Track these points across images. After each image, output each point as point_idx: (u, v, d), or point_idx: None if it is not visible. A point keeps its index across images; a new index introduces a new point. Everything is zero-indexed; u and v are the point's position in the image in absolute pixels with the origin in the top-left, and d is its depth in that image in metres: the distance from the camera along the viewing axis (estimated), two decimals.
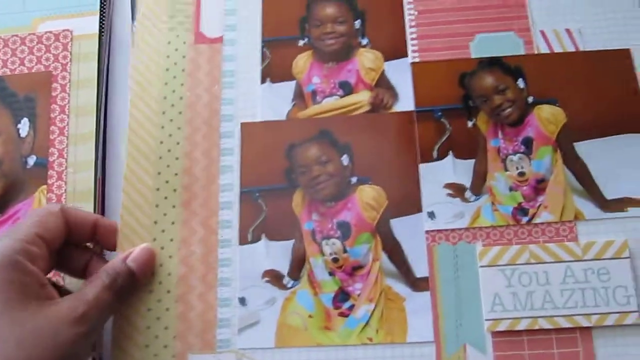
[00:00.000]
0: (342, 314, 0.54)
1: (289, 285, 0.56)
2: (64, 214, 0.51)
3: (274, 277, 0.56)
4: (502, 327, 0.52)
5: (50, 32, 0.65)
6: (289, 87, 0.62)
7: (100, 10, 0.65)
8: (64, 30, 0.65)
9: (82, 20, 0.65)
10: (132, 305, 0.55)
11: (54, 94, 0.62)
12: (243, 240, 0.57)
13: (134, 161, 0.59)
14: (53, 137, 0.61)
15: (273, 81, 0.62)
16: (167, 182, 0.58)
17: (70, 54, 0.64)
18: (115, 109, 0.63)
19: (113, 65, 0.65)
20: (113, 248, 0.56)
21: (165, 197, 0.58)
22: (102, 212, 0.60)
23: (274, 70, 0.62)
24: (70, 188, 0.59)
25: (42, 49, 0.64)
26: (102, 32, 0.65)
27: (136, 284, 0.53)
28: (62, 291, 0.52)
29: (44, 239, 0.48)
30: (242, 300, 0.55)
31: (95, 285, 0.49)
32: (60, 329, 0.46)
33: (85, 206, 0.59)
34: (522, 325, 0.52)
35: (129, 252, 0.53)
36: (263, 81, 0.62)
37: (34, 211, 0.52)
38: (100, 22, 0.65)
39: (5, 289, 0.46)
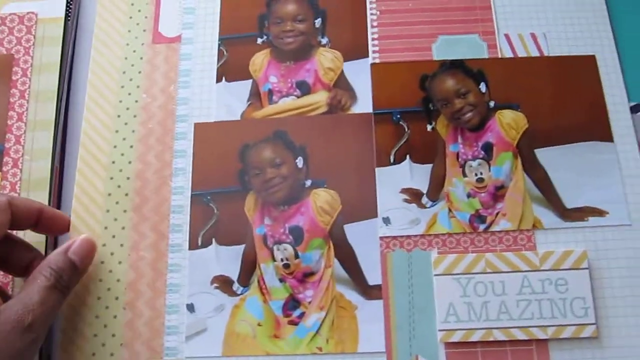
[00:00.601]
0: (292, 322, 0.53)
1: (239, 292, 0.54)
2: (12, 207, 0.48)
3: (223, 283, 0.54)
4: (455, 338, 0.50)
5: (15, 13, 0.62)
6: (245, 86, 0.60)
7: None
8: (28, 13, 0.62)
9: (48, 3, 0.63)
10: (80, 312, 0.53)
11: (14, 77, 0.60)
12: (193, 245, 0.55)
13: (86, 166, 0.58)
14: (11, 122, 0.59)
15: (229, 80, 0.60)
16: (119, 186, 0.57)
17: (34, 37, 0.61)
18: (77, 96, 0.61)
19: (78, 51, 0.63)
20: (58, 234, 0.54)
21: (117, 202, 0.56)
22: (58, 202, 0.57)
23: (231, 68, 0.61)
24: (26, 176, 0.57)
25: (5, 31, 0.62)
26: (69, 16, 0.63)
27: (79, 277, 0.51)
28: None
29: None
30: (191, 307, 0.53)
31: (40, 287, 0.47)
32: (9, 338, 0.44)
33: (40, 195, 0.56)
34: (476, 337, 0.50)
35: (69, 244, 0.50)
36: (219, 80, 0.60)
37: None
38: (67, 6, 0.63)
39: None
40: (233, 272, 0.54)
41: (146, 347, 0.52)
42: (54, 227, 0.54)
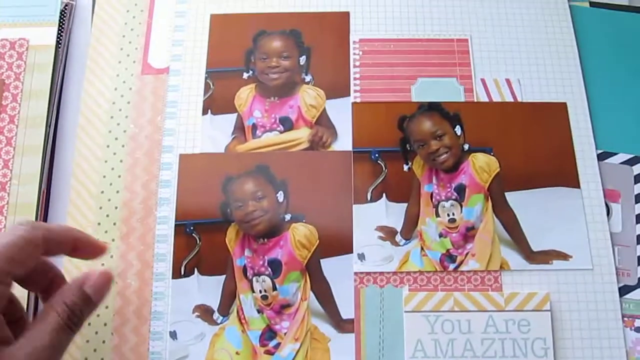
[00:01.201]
0: (268, 352, 0.55)
1: (219, 321, 0.56)
2: (47, 240, 0.45)
3: (204, 312, 0.56)
4: None
5: (6, 39, 0.64)
6: (230, 119, 0.62)
7: (60, 22, 0.65)
8: (20, 39, 0.64)
9: (40, 30, 0.64)
10: None
11: (4, 102, 0.61)
12: (176, 274, 0.57)
13: (78, 196, 0.59)
14: (0, 147, 0.60)
15: (214, 113, 0.62)
16: (107, 215, 0.58)
17: (25, 63, 0.63)
18: (65, 122, 0.63)
19: (67, 77, 0.64)
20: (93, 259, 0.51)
21: (106, 231, 0.58)
22: None
23: (216, 101, 0.62)
24: (13, 200, 0.58)
25: None
26: (59, 44, 0.64)
27: (93, 311, 0.47)
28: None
29: (11, 274, 0.42)
30: (173, 334, 0.55)
31: (52, 327, 0.43)
32: None
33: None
34: None
35: (85, 277, 0.46)
36: (204, 112, 0.62)
37: (7, 238, 0.43)
38: (58, 34, 0.64)
39: None
40: (214, 301, 0.56)
41: (132, 353, 0.54)
42: (89, 254, 0.50)
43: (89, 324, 0.55)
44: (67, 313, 0.44)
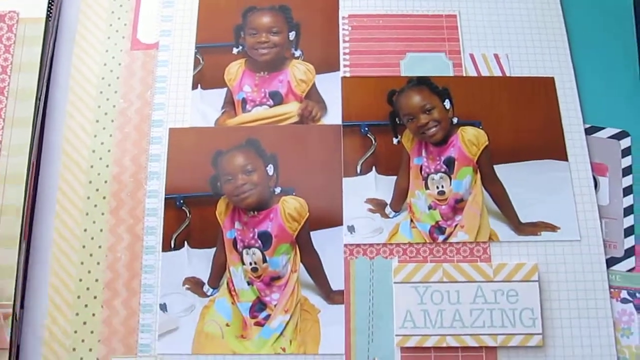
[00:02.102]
0: (258, 324, 0.55)
1: (209, 293, 0.56)
2: None
3: (194, 285, 0.56)
4: (411, 343, 0.53)
5: None
6: (219, 94, 0.62)
7: None
8: (10, 12, 0.63)
9: (30, 2, 0.64)
10: (62, 310, 0.55)
11: None
12: (166, 247, 0.57)
13: (68, 170, 0.59)
14: None
15: (204, 87, 0.62)
16: (97, 190, 0.58)
17: (15, 36, 0.62)
18: (56, 94, 0.62)
19: (58, 50, 0.64)
20: None
21: (95, 205, 0.58)
22: (34, 198, 0.59)
23: (206, 76, 0.62)
24: (2, 171, 0.58)
25: None
26: (50, 16, 0.64)
27: None
28: None
29: None
30: (163, 307, 0.55)
31: None
32: None
33: (16, 191, 0.57)
34: (430, 342, 0.53)
35: None
36: (194, 87, 0.62)
37: None
38: (48, 7, 0.64)
39: None
40: (204, 274, 0.56)
41: (122, 344, 0.54)
42: None
43: (79, 297, 0.55)
44: None
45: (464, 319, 0.53)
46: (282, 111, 0.61)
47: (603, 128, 0.60)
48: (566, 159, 0.59)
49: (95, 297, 0.55)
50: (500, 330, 0.53)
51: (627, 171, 0.59)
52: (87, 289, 0.55)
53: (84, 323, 0.55)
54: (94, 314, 0.55)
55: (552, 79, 0.61)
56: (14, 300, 0.54)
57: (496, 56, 0.62)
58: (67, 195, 0.58)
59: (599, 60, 0.63)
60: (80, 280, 0.56)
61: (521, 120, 0.60)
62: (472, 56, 0.62)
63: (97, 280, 0.56)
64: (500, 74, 0.62)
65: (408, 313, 0.54)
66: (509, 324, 0.53)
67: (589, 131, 0.60)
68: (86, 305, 0.55)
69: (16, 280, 0.55)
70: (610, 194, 0.58)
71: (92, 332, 0.55)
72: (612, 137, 0.60)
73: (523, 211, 0.57)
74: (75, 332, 0.55)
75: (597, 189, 0.58)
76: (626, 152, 0.59)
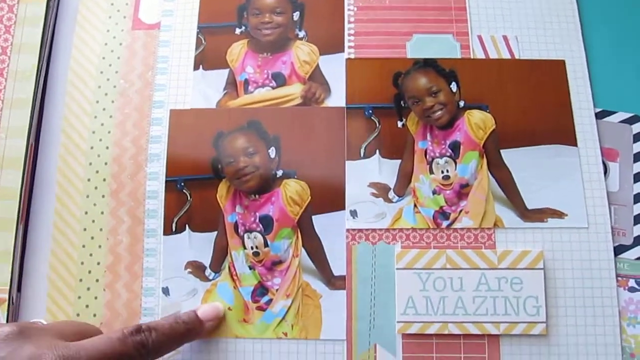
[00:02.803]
0: (260, 308, 0.54)
1: (211, 277, 0.55)
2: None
3: (196, 269, 0.56)
4: (412, 329, 0.52)
5: None
6: (221, 75, 0.61)
7: None
8: None
9: None
10: (64, 293, 0.55)
11: None
12: (167, 231, 0.56)
13: (67, 152, 0.59)
14: None
15: (206, 68, 0.61)
16: (97, 172, 0.58)
17: (16, 16, 0.62)
18: (55, 77, 0.61)
19: (58, 31, 0.63)
20: None
21: (96, 187, 0.58)
22: (32, 181, 0.58)
23: (208, 57, 0.61)
24: (0, 153, 0.58)
25: None
26: None
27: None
28: None
29: None
30: (165, 290, 0.55)
31: None
32: None
33: (14, 174, 0.57)
34: (432, 329, 0.52)
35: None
36: (196, 68, 0.61)
37: (106, 345, 0.43)
38: None
39: None
40: (205, 258, 0.56)
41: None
42: None
43: (81, 280, 0.55)
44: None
45: (467, 306, 0.53)
46: (285, 93, 0.60)
47: (614, 112, 0.59)
48: (575, 144, 0.57)
49: (97, 281, 0.55)
50: (503, 319, 0.52)
51: (638, 157, 0.58)
52: (89, 272, 0.55)
53: (86, 306, 0.55)
54: (96, 297, 0.55)
55: (563, 61, 0.60)
56: (10, 285, 0.54)
57: (505, 38, 0.61)
58: (67, 177, 0.58)
59: (612, 43, 0.61)
60: (82, 263, 0.56)
61: (530, 104, 0.58)
62: (480, 38, 0.61)
63: (99, 264, 0.56)
64: (509, 57, 0.60)
65: (410, 299, 0.53)
66: (512, 312, 0.52)
67: (600, 115, 0.58)
68: (88, 289, 0.55)
69: (12, 264, 0.54)
70: (621, 180, 0.57)
71: (94, 315, 0.54)
72: (623, 121, 0.58)
73: (529, 197, 0.56)
74: (78, 315, 0.55)
75: (606, 174, 0.57)
76: (638, 137, 0.58)
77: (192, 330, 0.50)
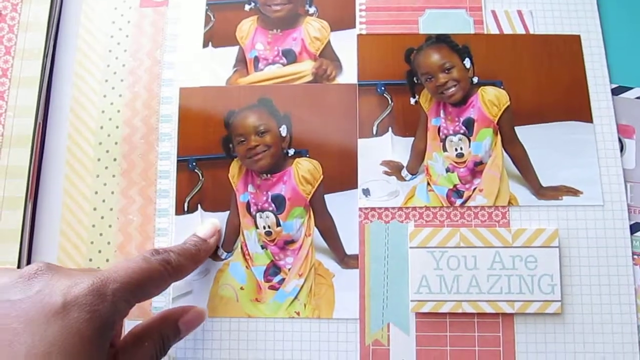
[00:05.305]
0: (273, 287, 0.54)
1: (223, 257, 0.55)
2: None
3: None
4: (426, 308, 0.52)
5: None
6: (231, 52, 0.60)
7: None
8: None
9: None
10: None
11: (0, 34, 0.60)
12: (179, 210, 0.56)
13: (77, 132, 0.58)
14: None
15: (215, 45, 0.60)
16: (107, 151, 0.58)
17: None
18: (63, 54, 0.61)
19: (65, 9, 0.62)
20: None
21: (106, 167, 0.57)
22: (40, 160, 0.58)
23: (217, 34, 0.61)
24: (8, 132, 0.57)
25: None
26: None
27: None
28: None
29: (135, 302, 0.44)
30: None
31: (149, 355, 0.45)
32: None
33: (22, 152, 0.57)
34: (446, 308, 0.52)
35: (180, 312, 0.49)
36: (205, 45, 0.60)
37: (140, 265, 0.44)
38: None
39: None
40: None
41: (136, 307, 0.52)
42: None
43: (90, 260, 0.55)
44: (160, 344, 0.46)
45: (481, 285, 0.52)
46: (296, 70, 0.59)
47: (631, 88, 0.58)
48: (591, 121, 0.56)
49: (107, 260, 0.55)
50: (517, 297, 0.52)
51: None
52: (99, 251, 0.55)
53: None
54: None
55: (578, 36, 0.59)
56: (19, 264, 0.54)
57: (519, 12, 0.60)
58: (77, 156, 0.57)
59: (628, 18, 0.60)
60: (92, 242, 0.55)
61: (544, 80, 0.57)
62: (494, 13, 0.60)
63: (109, 243, 0.55)
64: (524, 32, 0.59)
65: (424, 278, 0.53)
66: (527, 291, 0.52)
67: (616, 91, 0.57)
68: (98, 268, 0.54)
69: (21, 243, 0.54)
70: (637, 157, 0.56)
71: None
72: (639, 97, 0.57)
73: (544, 175, 0.55)
74: None
75: (622, 151, 0.56)
76: None
77: (200, 249, 0.52)
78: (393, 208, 0.55)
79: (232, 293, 0.54)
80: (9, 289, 0.40)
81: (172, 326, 0.48)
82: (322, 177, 0.56)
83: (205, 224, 0.54)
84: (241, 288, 0.54)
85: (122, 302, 0.42)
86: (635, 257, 0.53)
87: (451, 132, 0.57)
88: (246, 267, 0.55)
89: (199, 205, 0.56)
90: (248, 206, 0.56)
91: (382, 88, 0.57)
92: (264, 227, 0.55)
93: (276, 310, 0.53)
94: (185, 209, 0.56)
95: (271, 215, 0.55)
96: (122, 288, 0.42)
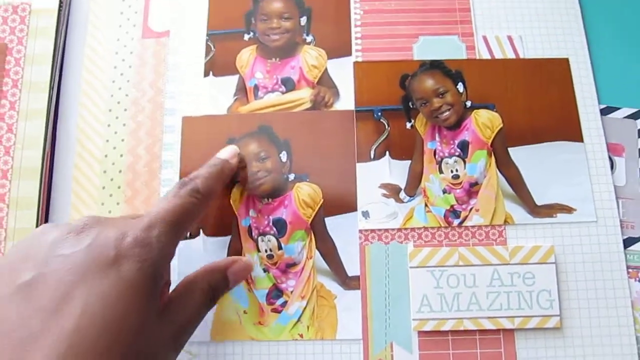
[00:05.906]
0: (275, 310, 0.55)
1: None
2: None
3: None
4: (428, 327, 0.53)
5: (9, 3, 0.63)
6: (231, 81, 0.62)
7: None
8: (22, 3, 0.63)
9: None
10: None
11: (7, 67, 0.61)
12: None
13: (82, 161, 0.59)
14: (3, 111, 0.60)
15: (216, 75, 0.62)
16: (111, 179, 0.59)
17: (27, 27, 0.62)
18: (68, 85, 0.62)
19: (69, 41, 0.64)
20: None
21: (110, 195, 0.58)
22: (49, 190, 0.59)
23: (218, 63, 0.62)
24: (17, 164, 0.58)
25: None
26: (61, 7, 0.64)
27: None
28: None
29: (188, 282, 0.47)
30: None
31: (198, 304, 0.46)
32: (158, 353, 0.42)
33: (31, 184, 0.58)
34: (447, 326, 0.53)
35: (229, 263, 0.50)
36: (206, 75, 0.62)
37: (178, 200, 0.47)
38: None
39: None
40: None
41: None
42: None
43: None
44: (210, 295, 0.47)
45: (481, 302, 0.53)
46: (295, 97, 0.61)
47: (619, 108, 0.60)
48: (581, 140, 0.58)
49: None
50: (517, 313, 0.53)
51: None
52: None
53: None
54: None
55: (567, 59, 0.61)
56: None
57: (509, 38, 0.62)
58: (83, 185, 0.58)
59: (614, 40, 0.62)
60: None
61: (535, 102, 0.59)
62: (485, 38, 0.62)
63: None
64: (514, 56, 0.61)
65: (424, 297, 0.54)
66: (526, 306, 0.53)
67: (605, 111, 0.59)
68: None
69: None
70: (627, 174, 0.58)
71: None
72: (628, 117, 0.59)
73: (538, 193, 0.57)
74: None
75: (613, 169, 0.58)
76: None
77: (224, 167, 0.54)
78: (392, 229, 0.56)
79: (236, 316, 0.55)
80: (61, 244, 0.40)
81: (221, 276, 0.49)
82: (322, 200, 0.57)
83: (226, 148, 0.56)
84: (244, 311, 0.55)
85: (167, 246, 0.43)
86: (630, 270, 0.54)
87: (447, 154, 0.58)
88: (248, 290, 0.55)
89: (200, 231, 0.57)
90: (250, 230, 0.57)
91: (379, 113, 0.59)
92: (266, 251, 0.56)
93: (279, 333, 0.54)
94: (188, 234, 0.57)
95: (273, 238, 0.56)
96: (164, 232, 0.43)
